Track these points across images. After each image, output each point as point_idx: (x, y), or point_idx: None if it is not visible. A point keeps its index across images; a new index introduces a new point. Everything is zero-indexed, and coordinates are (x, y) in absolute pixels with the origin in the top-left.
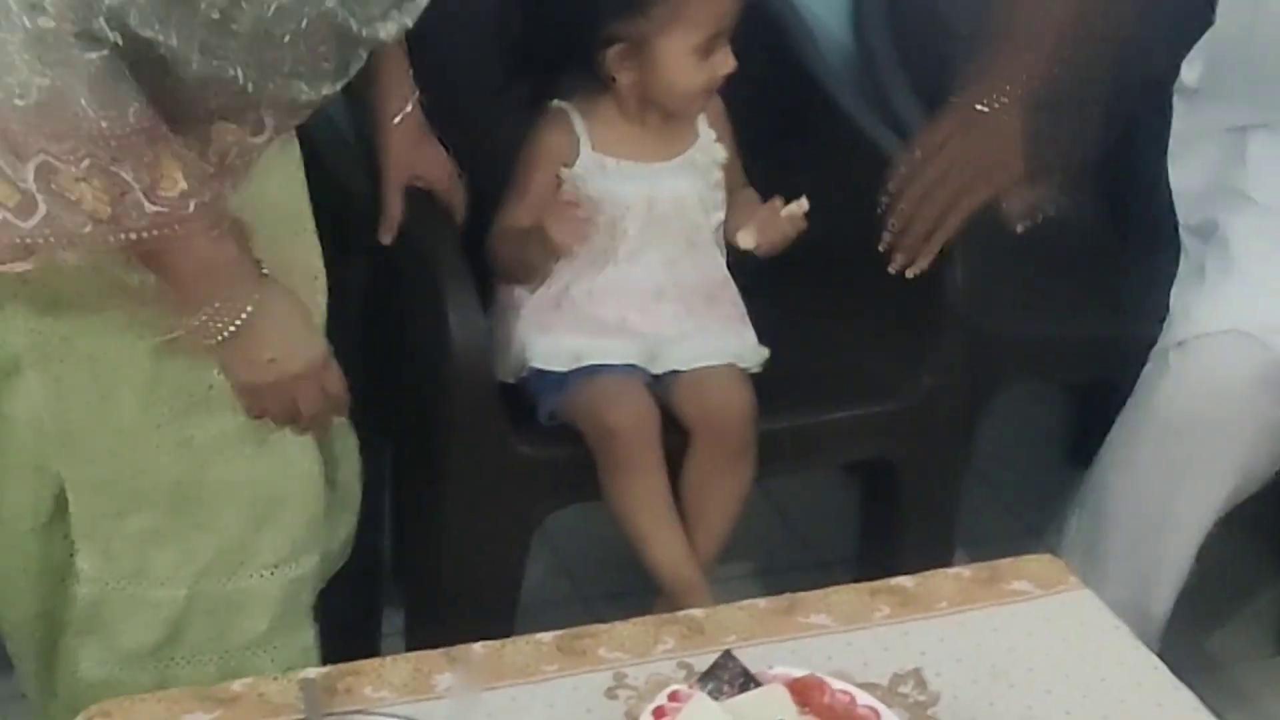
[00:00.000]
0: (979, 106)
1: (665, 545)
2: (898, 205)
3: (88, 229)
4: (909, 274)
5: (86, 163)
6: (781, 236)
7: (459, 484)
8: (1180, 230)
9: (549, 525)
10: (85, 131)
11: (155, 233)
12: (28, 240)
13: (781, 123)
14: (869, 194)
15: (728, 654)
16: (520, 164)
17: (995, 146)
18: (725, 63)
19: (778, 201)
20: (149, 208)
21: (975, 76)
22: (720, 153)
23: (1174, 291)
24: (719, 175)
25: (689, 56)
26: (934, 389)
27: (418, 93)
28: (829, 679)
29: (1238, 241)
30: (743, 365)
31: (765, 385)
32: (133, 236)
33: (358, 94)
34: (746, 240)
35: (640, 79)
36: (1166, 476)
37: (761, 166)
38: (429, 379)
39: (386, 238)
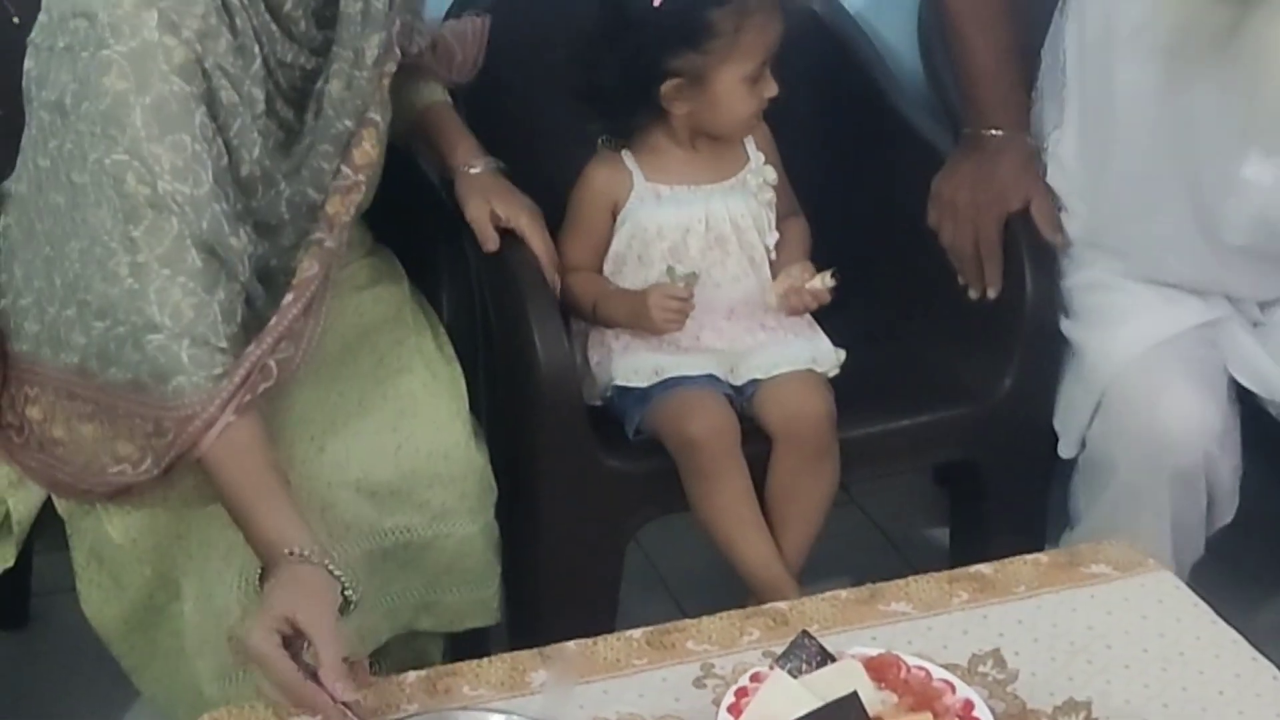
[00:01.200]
0: (991, 132)
1: (753, 548)
2: (942, 239)
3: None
4: (990, 296)
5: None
6: (804, 306)
7: (553, 501)
8: None
9: (643, 538)
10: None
11: None
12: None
13: (856, 141)
14: None
15: (804, 633)
16: (574, 203)
17: (1011, 167)
18: (769, 88)
19: (807, 272)
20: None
21: (986, 105)
22: (771, 174)
23: None
24: (771, 195)
25: (741, 85)
26: (1015, 390)
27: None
28: (905, 656)
29: None
30: (819, 369)
31: (849, 392)
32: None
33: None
34: (770, 299)
35: (695, 109)
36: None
37: (837, 183)
38: (519, 402)
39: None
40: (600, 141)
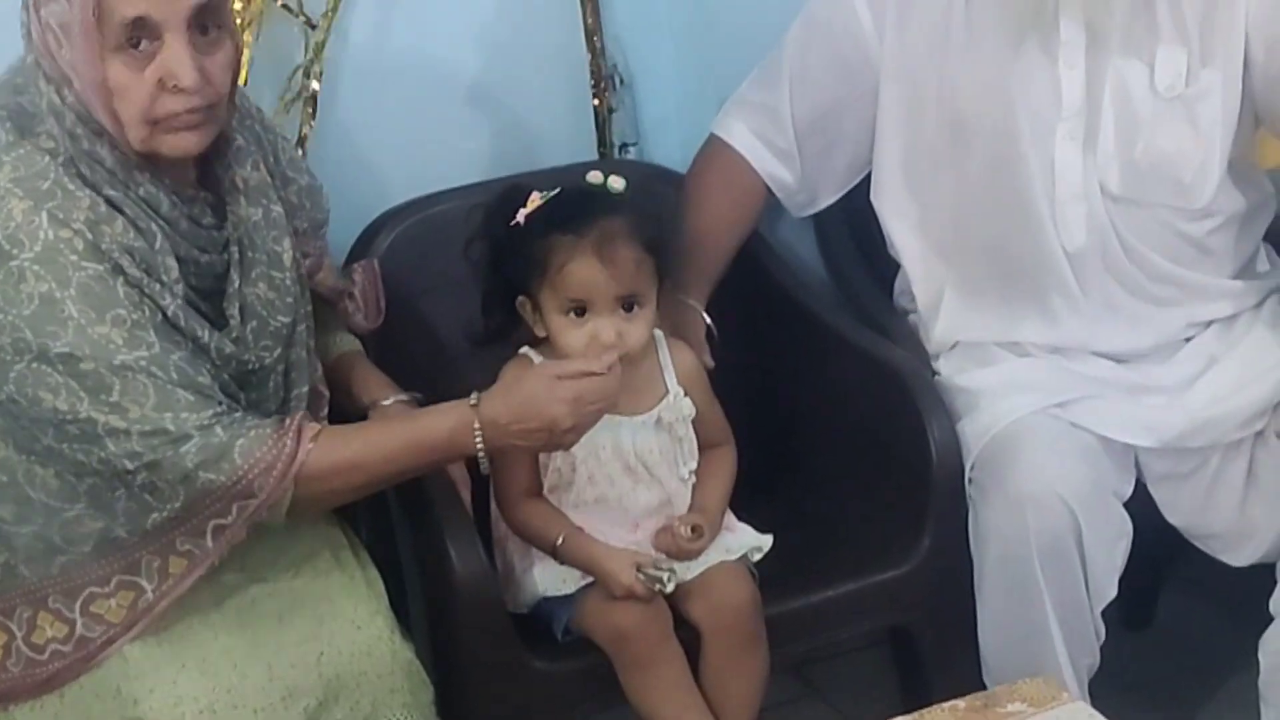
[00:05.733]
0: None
1: None
2: None
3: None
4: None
5: (115, 581)
6: (672, 551)
7: (487, 706)
8: None
9: None
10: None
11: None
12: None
13: (778, 343)
14: (854, 385)
15: None
16: None
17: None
18: (603, 332)
19: (684, 526)
20: (157, 604)
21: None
22: (687, 408)
23: None
24: (686, 431)
25: (562, 318)
26: (934, 547)
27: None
28: None
29: None
30: (737, 558)
31: (778, 571)
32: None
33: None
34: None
35: (548, 335)
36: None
37: (765, 380)
38: (442, 616)
39: None
40: (517, 354)
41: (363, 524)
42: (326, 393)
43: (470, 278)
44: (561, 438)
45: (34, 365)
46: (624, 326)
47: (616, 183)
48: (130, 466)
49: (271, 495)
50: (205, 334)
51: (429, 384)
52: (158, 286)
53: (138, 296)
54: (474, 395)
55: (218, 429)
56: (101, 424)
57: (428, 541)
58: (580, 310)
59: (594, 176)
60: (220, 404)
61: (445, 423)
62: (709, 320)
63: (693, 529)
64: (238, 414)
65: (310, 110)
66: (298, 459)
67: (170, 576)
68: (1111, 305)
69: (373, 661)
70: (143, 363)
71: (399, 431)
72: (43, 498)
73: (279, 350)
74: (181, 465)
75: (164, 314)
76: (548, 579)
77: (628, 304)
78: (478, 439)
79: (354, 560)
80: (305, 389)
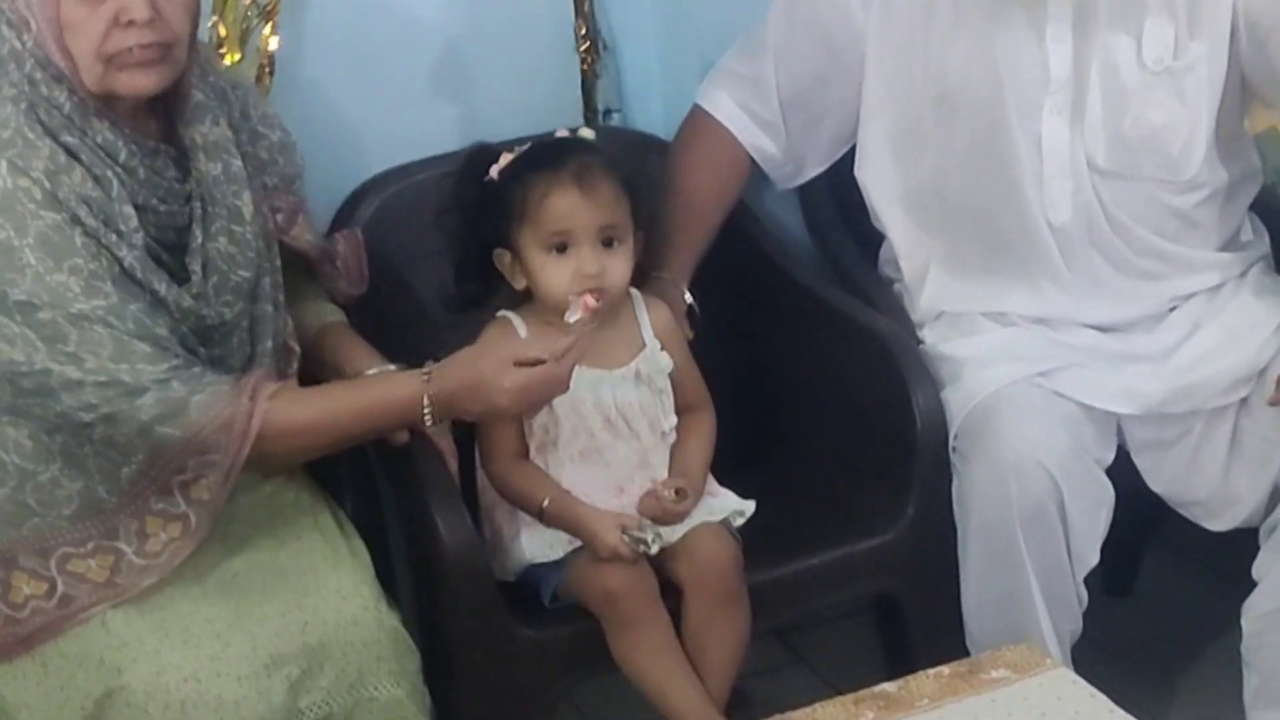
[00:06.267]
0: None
1: (684, 694)
2: None
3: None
4: None
5: (91, 545)
6: (656, 515)
7: (474, 674)
8: None
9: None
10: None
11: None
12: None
13: (764, 312)
14: (839, 353)
15: None
16: None
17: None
18: (587, 263)
19: (668, 490)
20: (141, 569)
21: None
22: (664, 361)
23: None
24: (664, 384)
25: (545, 255)
26: (918, 516)
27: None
28: None
29: None
30: (719, 519)
31: (762, 538)
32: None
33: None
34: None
35: (529, 283)
36: None
37: (750, 348)
38: (430, 588)
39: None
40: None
41: (347, 495)
42: (297, 348)
43: (446, 251)
44: (502, 413)
45: None
46: (606, 261)
47: (587, 132)
48: (87, 419)
49: (230, 454)
50: (164, 288)
51: (413, 353)
52: (114, 237)
53: (95, 247)
54: (428, 366)
55: (174, 383)
56: (56, 374)
57: (414, 511)
58: (562, 246)
59: (562, 131)
60: (178, 357)
61: (397, 393)
62: (691, 299)
63: (676, 492)
64: (196, 369)
65: (268, 69)
66: (255, 417)
67: (149, 538)
68: (1097, 280)
69: (358, 630)
70: (100, 312)
71: (353, 398)
72: (16, 460)
73: (240, 305)
74: (137, 418)
75: (121, 265)
76: (535, 545)
77: (607, 239)
78: (426, 412)
79: (338, 531)
80: (269, 344)
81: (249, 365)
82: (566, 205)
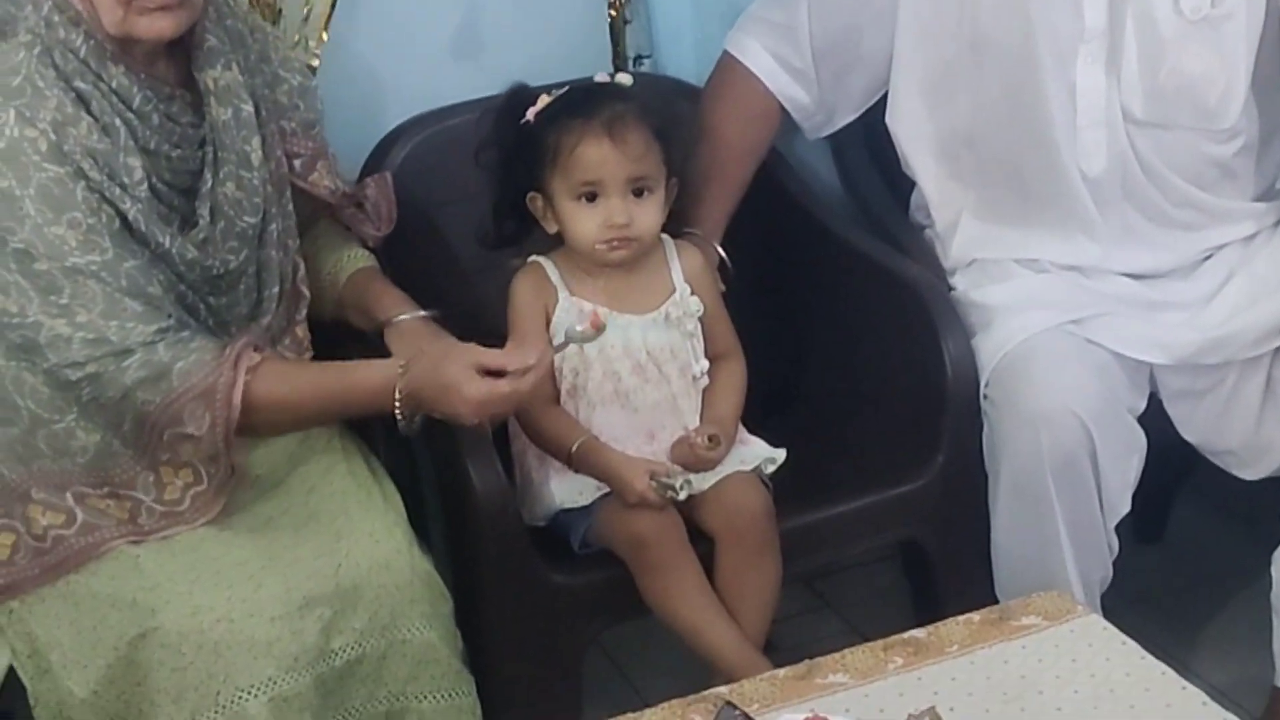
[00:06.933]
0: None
1: (719, 633)
2: None
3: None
4: None
5: (106, 490)
6: (690, 464)
7: (504, 620)
8: None
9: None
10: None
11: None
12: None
13: (794, 259)
14: (870, 300)
15: (728, 705)
16: (511, 323)
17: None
18: (615, 213)
19: (701, 436)
20: (159, 509)
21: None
22: (694, 305)
23: None
24: (694, 326)
25: (574, 203)
26: (948, 464)
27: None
28: (836, 718)
29: None
30: (751, 468)
31: (792, 485)
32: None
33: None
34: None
35: (560, 228)
36: None
37: (782, 296)
38: (461, 533)
39: None
40: (526, 260)
41: (380, 440)
42: (306, 293)
43: (484, 188)
44: (463, 420)
45: None
46: (634, 211)
47: (624, 78)
48: (73, 378)
49: (206, 422)
50: (167, 239)
51: (443, 298)
52: (118, 190)
53: (97, 201)
54: (404, 361)
55: (160, 347)
56: (46, 329)
57: (446, 457)
58: (591, 195)
59: (601, 76)
60: (169, 317)
61: (373, 381)
62: (723, 253)
63: (709, 439)
64: (185, 333)
65: (325, 20)
66: (236, 387)
67: (165, 486)
68: (1130, 230)
69: (391, 573)
70: (94, 267)
71: (332, 380)
72: (31, 406)
73: (246, 252)
74: (121, 381)
75: (123, 219)
76: (565, 491)
77: (638, 189)
78: (397, 403)
79: (370, 476)
80: (276, 289)
81: (256, 310)
82: (597, 155)
